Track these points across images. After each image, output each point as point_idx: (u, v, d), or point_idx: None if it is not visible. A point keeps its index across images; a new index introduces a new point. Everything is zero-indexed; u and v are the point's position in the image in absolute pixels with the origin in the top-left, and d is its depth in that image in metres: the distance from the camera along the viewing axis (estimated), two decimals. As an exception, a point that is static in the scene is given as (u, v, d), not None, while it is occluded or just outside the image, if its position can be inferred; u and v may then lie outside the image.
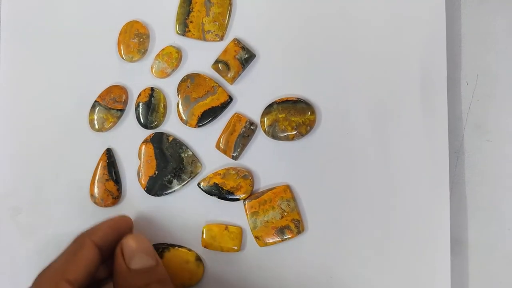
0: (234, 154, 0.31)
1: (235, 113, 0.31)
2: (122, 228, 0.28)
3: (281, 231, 0.31)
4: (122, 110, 0.32)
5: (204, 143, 0.32)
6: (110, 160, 0.32)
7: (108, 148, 0.32)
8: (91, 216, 0.32)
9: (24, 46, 0.33)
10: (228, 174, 0.31)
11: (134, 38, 0.32)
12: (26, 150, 0.32)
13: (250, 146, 0.31)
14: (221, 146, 0.31)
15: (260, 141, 0.32)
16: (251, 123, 0.31)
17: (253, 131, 0.31)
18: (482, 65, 0.32)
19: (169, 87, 0.32)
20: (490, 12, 0.32)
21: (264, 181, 0.31)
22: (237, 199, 0.31)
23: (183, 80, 0.32)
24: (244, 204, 0.31)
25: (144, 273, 0.25)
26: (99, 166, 0.32)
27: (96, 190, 0.32)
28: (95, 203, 0.32)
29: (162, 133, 0.31)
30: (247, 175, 0.31)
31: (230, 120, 0.31)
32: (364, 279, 0.31)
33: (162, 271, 0.26)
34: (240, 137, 0.31)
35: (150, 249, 0.27)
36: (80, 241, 0.26)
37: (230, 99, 0.31)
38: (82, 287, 0.24)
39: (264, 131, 0.31)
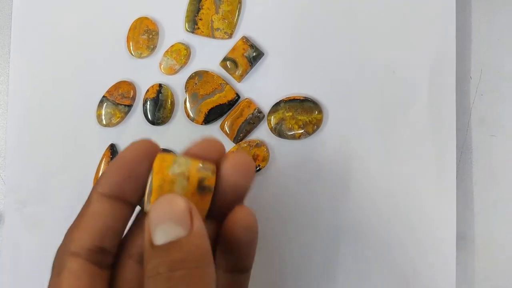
0: (237, 139, 0.31)
1: (246, 98, 0.32)
2: (138, 158, 0.21)
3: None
4: (129, 106, 0.32)
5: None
6: (113, 156, 0.32)
7: (112, 144, 0.32)
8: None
9: (34, 41, 0.33)
10: (240, 148, 0.31)
11: (144, 35, 0.32)
12: (34, 144, 0.33)
13: (252, 135, 0.32)
14: (225, 127, 0.31)
15: (261, 136, 0.32)
16: (259, 111, 0.31)
17: (259, 119, 0.31)
18: (486, 60, 0.33)
19: (177, 83, 0.32)
20: (494, 7, 0.33)
21: (266, 178, 0.32)
22: (258, 169, 0.31)
23: (191, 77, 0.32)
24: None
25: (168, 249, 0.18)
26: (103, 161, 0.32)
27: (100, 186, 0.32)
28: (99, 198, 0.32)
29: None
30: (259, 144, 0.31)
31: (240, 104, 0.31)
32: (371, 273, 0.31)
33: (194, 244, 0.19)
34: (245, 123, 0.31)
35: (181, 214, 0.19)
36: (87, 199, 0.21)
37: (237, 96, 0.32)
38: (97, 249, 0.20)
39: (271, 129, 0.31)
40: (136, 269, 0.21)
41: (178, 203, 0.19)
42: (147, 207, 0.20)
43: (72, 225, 0.21)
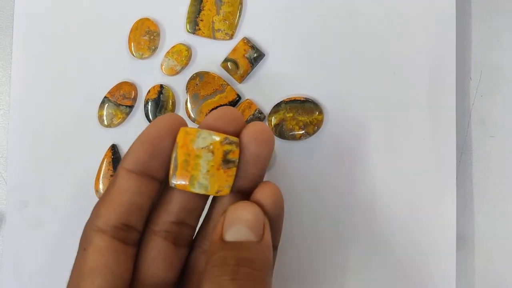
0: None
1: (247, 99, 0.32)
2: (163, 133, 0.21)
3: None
4: (131, 107, 0.32)
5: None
6: (115, 156, 0.32)
7: (113, 144, 0.32)
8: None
9: (36, 42, 0.33)
10: None
11: (145, 36, 0.32)
12: (35, 145, 0.33)
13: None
14: None
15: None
16: (260, 112, 0.31)
17: (260, 120, 0.31)
18: (486, 61, 0.33)
19: (178, 84, 0.32)
20: (494, 8, 0.33)
21: (266, 178, 0.32)
22: None
23: (192, 78, 0.32)
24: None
25: (237, 246, 0.20)
26: (104, 162, 0.32)
27: (101, 186, 0.32)
28: (100, 198, 0.32)
29: None
30: None
31: (241, 105, 0.32)
32: (370, 274, 0.31)
33: (261, 251, 0.20)
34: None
35: (256, 223, 0.20)
36: (113, 176, 0.21)
37: (238, 97, 0.32)
38: (122, 226, 0.20)
39: (271, 129, 0.31)
40: (161, 246, 0.21)
41: (256, 213, 0.20)
42: (172, 182, 0.21)
43: (99, 201, 0.21)
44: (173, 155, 0.21)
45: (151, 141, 0.21)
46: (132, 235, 0.21)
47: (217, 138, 0.20)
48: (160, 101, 0.32)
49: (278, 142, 0.32)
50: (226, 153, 0.20)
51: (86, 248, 0.20)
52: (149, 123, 0.32)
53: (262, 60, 0.32)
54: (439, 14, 0.31)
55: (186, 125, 0.21)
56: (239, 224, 0.20)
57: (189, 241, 0.23)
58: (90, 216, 0.21)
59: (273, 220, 0.21)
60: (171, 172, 0.21)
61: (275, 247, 0.23)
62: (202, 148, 0.20)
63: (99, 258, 0.20)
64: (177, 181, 0.20)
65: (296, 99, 0.31)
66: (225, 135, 0.20)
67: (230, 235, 0.20)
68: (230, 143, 0.20)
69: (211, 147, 0.20)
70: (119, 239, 0.20)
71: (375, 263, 0.31)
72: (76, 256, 0.20)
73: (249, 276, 0.19)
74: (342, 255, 0.31)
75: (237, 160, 0.21)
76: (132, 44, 0.32)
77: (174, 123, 0.21)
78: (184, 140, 0.20)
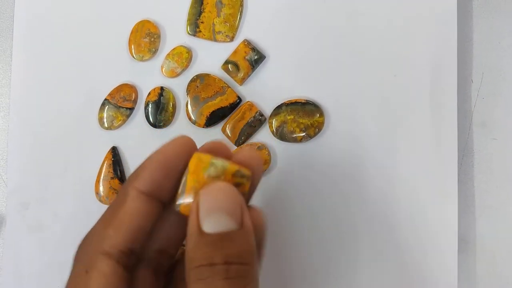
0: (239, 141, 0.31)
1: (247, 101, 0.32)
2: (178, 156, 0.20)
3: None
4: (131, 109, 0.32)
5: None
6: (115, 158, 0.32)
7: (114, 147, 0.32)
8: (96, 213, 0.31)
9: (36, 44, 0.33)
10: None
11: (145, 38, 0.32)
12: (35, 147, 0.33)
13: (253, 138, 0.32)
14: (227, 130, 0.31)
15: (263, 139, 0.32)
16: (261, 114, 0.31)
17: (261, 122, 0.31)
18: (487, 63, 0.33)
19: (178, 86, 0.32)
20: (496, 10, 0.33)
21: (268, 180, 0.32)
22: None
23: (193, 80, 0.32)
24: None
25: (220, 240, 0.18)
26: (105, 164, 0.32)
27: (101, 188, 0.32)
28: (100, 201, 0.32)
29: None
30: (261, 146, 0.31)
31: (241, 107, 0.32)
32: (372, 276, 0.31)
33: (246, 240, 0.18)
34: (247, 126, 0.31)
35: (234, 208, 0.19)
36: (121, 193, 0.20)
37: (239, 99, 0.32)
38: (128, 251, 0.19)
39: (272, 132, 0.31)
40: (148, 276, 0.21)
41: (233, 195, 0.19)
42: (177, 206, 0.20)
43: (104, 219, 0.20)
44: (183, 180, 0.20)
45: (167, 163, 0.20)
46: (132, 261, 0.20)
47: (229, 168, 0.20)
48: (161, 103, 0.32)
49: (279, 144, 0.32)
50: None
51: (88, 271, 0.19)
52: (150, 126, 0.32)
53: (262, 62, 0.32)
54: (441, 16, 0.31)
55: (197, 149, 0.21)
56: (216, 211, 0.18)
57: (170, 270, 0.22)
58: (95, 236, 0.20)
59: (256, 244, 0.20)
60: (177, 196, 0.20)
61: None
62: (213, 177, 0.19)
63: (103, 285, 0.19)
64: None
65: (297, 101, 0.31)
66: (238, 167, 0.20)
67: (209, 226, 0.18)
68: (242, 176, 0.20)
69: (222, 177, 0.19)
70: (122, 264, 0.19)
71: (377, 265, 0.31)
72: (74, 275, 0.19)
73: (241, 272, 0.18)
74: (343, 258, 0.31)
75: (246, 193, 0.20)
76: (133, 46, 0.32)
77: (187, 146, 0.20)
78: (196, 167, 0.20)
